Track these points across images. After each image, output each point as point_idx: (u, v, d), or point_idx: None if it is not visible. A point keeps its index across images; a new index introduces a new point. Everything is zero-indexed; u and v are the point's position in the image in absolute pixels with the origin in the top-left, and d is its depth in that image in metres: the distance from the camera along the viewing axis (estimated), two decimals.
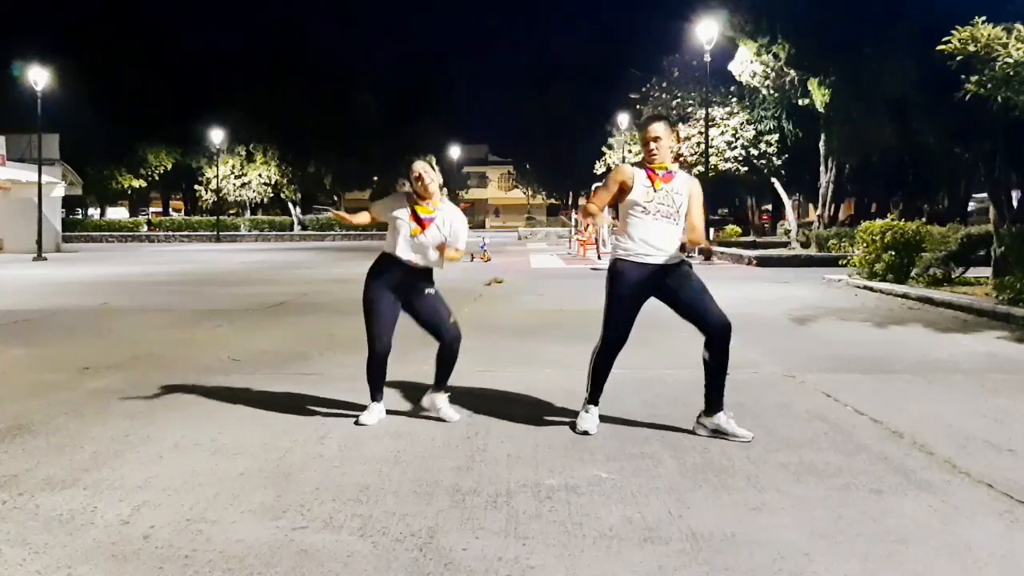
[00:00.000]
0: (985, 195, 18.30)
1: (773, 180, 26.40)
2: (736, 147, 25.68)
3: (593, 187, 24.03)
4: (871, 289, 11.74)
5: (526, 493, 3.15)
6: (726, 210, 40.38)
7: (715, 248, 21.17)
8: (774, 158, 25.63)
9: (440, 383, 4.28)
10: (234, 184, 44.35)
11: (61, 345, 6.99)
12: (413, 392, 4.88)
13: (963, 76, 8.64)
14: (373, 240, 40.17)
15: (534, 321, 8.39)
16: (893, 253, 12.14)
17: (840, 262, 16.25)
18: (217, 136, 40.74)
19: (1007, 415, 4.38)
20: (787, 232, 26.64)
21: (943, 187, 28.66)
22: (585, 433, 3.96)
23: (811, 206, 34.82)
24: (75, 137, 30.39)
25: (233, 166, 44.14)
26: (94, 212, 52.77)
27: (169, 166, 44.67)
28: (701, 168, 22.50)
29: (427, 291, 4.19)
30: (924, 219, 13.39)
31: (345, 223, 4.77)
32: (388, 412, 4.32)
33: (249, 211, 48.37)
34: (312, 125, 41.73)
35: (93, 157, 38.37)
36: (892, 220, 13.36)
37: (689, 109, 27.13)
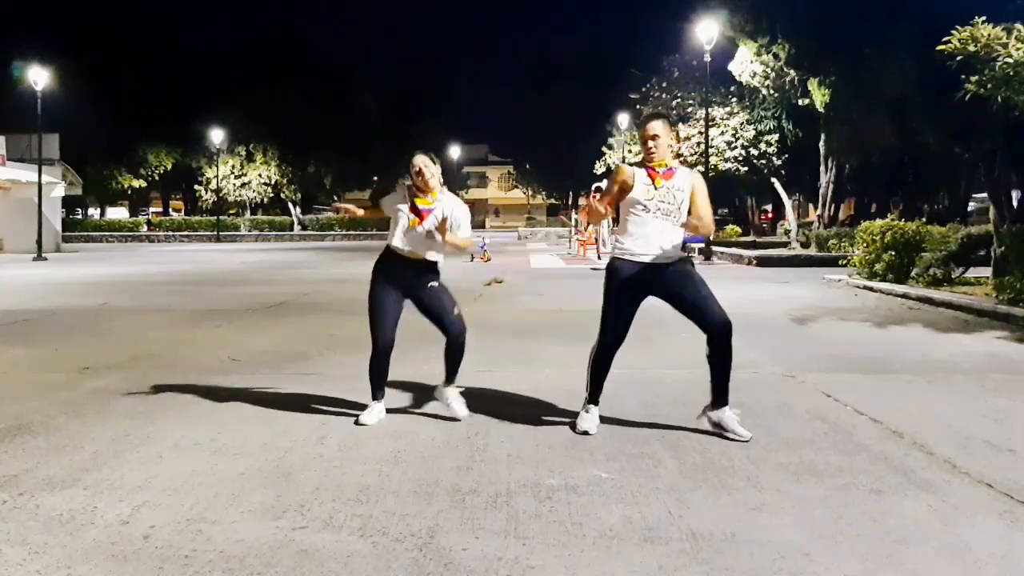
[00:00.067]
0: (985, 195, 18.31)
1: (773, 180, 26.40)
2: (736, 147, 25.68)
3: (593, 186, 24.06)
4: (871, 289, 11.74)
5: (526, 493, 3.15)
6: (726, 210, 40.36)
7: (713, 248, 21.16)
8: (774, 158, 25.63)
9: (449, 377, 4.30)
10: (234, 184, 44.37)
11: (61, 345, 6.99)
12: (413, 392, 4.88)
13: (963, 76, 8.64)
14: (373, 240, 40.18)
15: (534, 321, 8.39)
16: (893, 253, 12.14)
17: (840, 262, 16.25)
18: (217, 136, 40.76)
19: (1007, 415, 4.38)
20: (787, 232, 26.65)
21: (943, 187, 28.66)
22: (585, 433, 3.96)
23: (811, 206, 34.85)
24: (75, 137, 30.39)
25: (233, 166, 44.15)
26: (94, 212, 52.79)
27: (169, 166, 44.68)
28: (701, 168, 22.48)
29: (431, 284, 4.20)
30: (924, 219, 13.38)
31: (352, 215, 4.77)
32: (388, 411, 4.32)
33: (249, 211, 48.38)
34: (312, 125, 41.74)
35: (93, 157, 38.39)
36: (892, 220, 13.36)
37: (689, 109, 27.13)
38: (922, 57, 10.99)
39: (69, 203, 39.44)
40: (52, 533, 2.78)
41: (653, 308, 4.01)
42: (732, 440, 3.86)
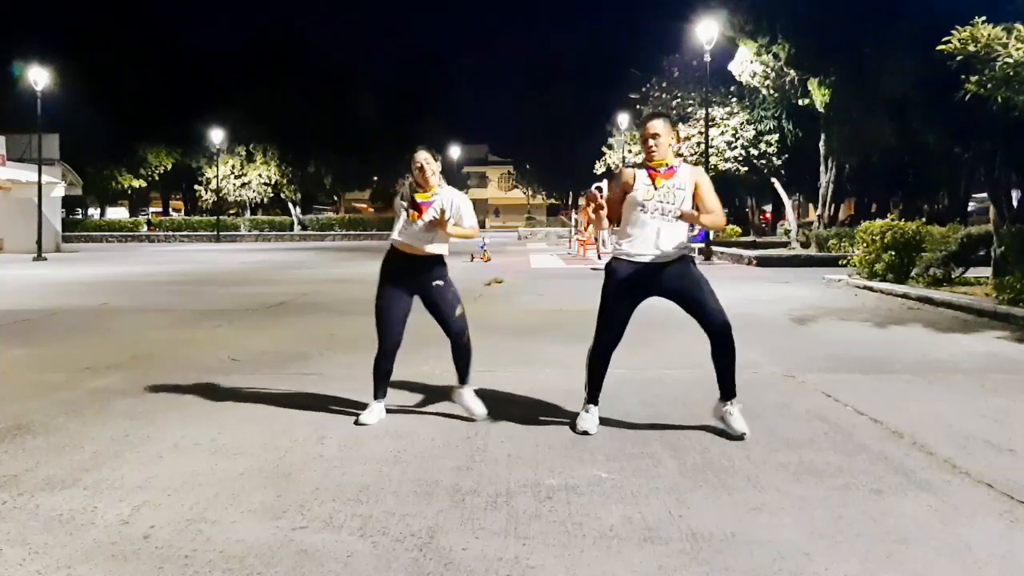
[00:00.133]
0: (985, 195, 18.30)
1: (773, 180, 26.40)
2: (736, 147, 25.67)
3: (594, 186, 24.05)
4: (871, 289, 11.74)
5: (526, 493, 3.15)
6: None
7: (713, 248, 21.16)
8: (774, 158, 25.63)
9: (461, 378, 4.31)
10: (234, 184, 44.37)
11: (61, 345, 7.00)
12: (414, 392, 4.89)
13: (963, 76, 8.64)
14: (373, 240, 40.19)
15: (534, 321, 8.39)
16: (893, 253, 12.15)
17: (840, 262, 16.25)
18: (217, 136, 40.76)
19: (1007, 415, 4.38)
20: (787, 232, 26.65)
21: (943, 187, 28.67)
22: (585, 433, 3.96)
23: (811, 206, 34.83)
24: (75, 137, 30.38)
25: (233, 166, 44.16)
26: (94, 212, 52.78)
27: (169, 166, 44.67)
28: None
29: (435, 283, 4.20)
30: (924, 219, 13.36)
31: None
32: (388, 411, 4.32)
33: (249, 211, 48.38)
34: (312, 125, 41.74)
35: (93, 157, 38.36)
36: (892, 220, 13.36)
37: (689, 109, 27.12)
38: (922, 57, 10.98)
39: (69, 203, 39.45)
40: (52, 533, 2.78)
41: (653, 308, 4.02)
42: (730, 437, 3.87)
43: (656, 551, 2.60)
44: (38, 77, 23.47)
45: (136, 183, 44.48)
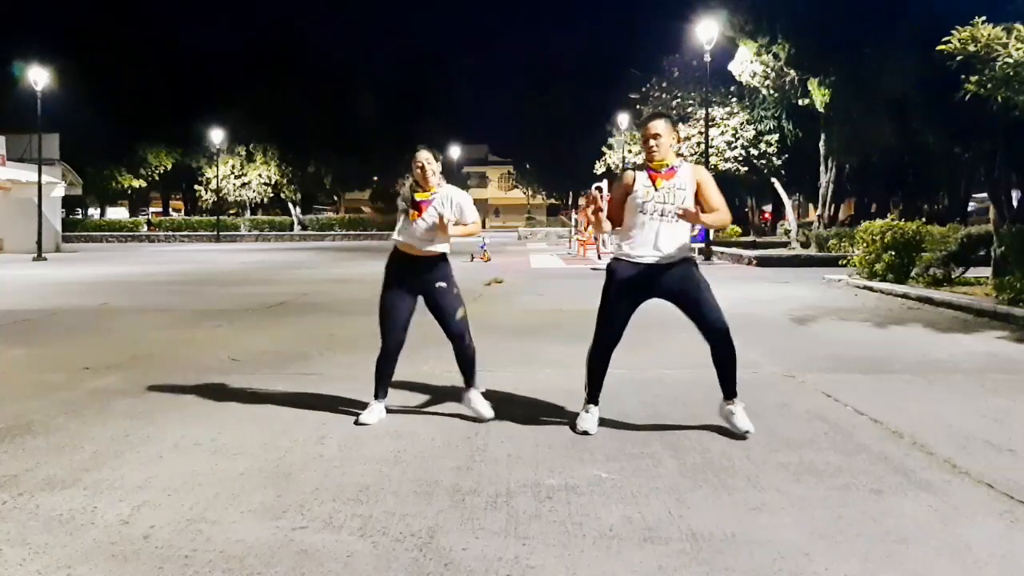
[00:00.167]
0: (985, 195, 18.30)
1: (773, 180, 26.40)
2: (736, 147, 25.68)
3: (594, 186, 24.05)
4: (871, 289, 11.74)
5: (526, 493, 3.15)
6: None
7: (713, 248, 21.16)
8: (774, 158, 25.63)
9: (467, 380, 4.32)
10: (234, 184, 44.38)
11: (61, 345, 7.00)
12: (414, 392, 4.89)
13: (963, 76, 8.63)
14: (373, 240, 40.18)
15: (534, 321, 8.39)
16: (893, 253, 12.14)
17: (840, 262, 16.25)
18: (217, 136, 40.76)
19: (1007, 415, 4.38)
20: (787, 232, 26.65)
21: (943, 187, 28.69)
22: (585, 433, 3.96)
23: (811, 206, 34.83)
24: (75, 137, 30.38)
25: (233, 166, 44.16)
26: (94, 212, 52.79)
27: (169, 166, 44.68)
28: None
29: (438, 284, 4.19)
30: (924, 219, 13.35)
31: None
32: (388, 411, 4.32)
33: (249, 211, 48.40)
34: (312, 125, 41.74)
35: (93, 157, 38.36)
36: (892, 220, 13.36)
37: (689, 109, 27.13)
38: (922, 57, 10.98)
39: (69, 203, 39.45)
40: (52, 533, 2.78)
41: (653, 308, 4.02)
42: (733, 436, 3.87)
43: (656, 551, 2.60)
44: (38, 77, 23.48)
45: (136, 183, 44.48)
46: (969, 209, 28.60)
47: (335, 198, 53.92)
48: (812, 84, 18.92)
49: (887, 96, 14.90)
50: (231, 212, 52.31)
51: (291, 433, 4.03)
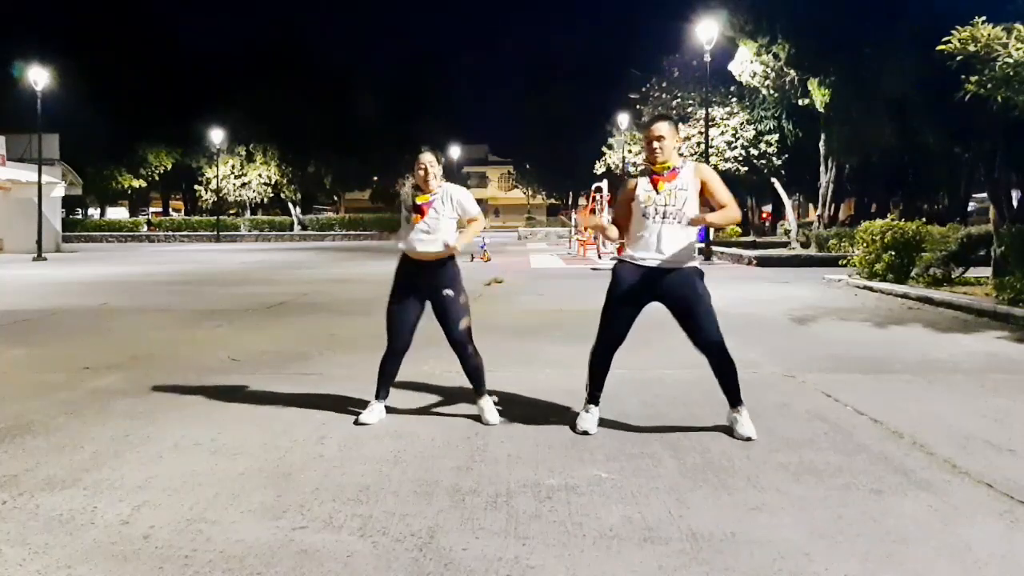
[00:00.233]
0: (985, 195, 18.30)
1: (773, 180, 26.40)
2: (736, 147, 25.67)
3: (594, 186, 24.07)
4: (871, 289, 11.74)
5: (526, 493, 3.15)
6: None
7: (713, 248, 21.16)
8: (774, 158, 25.63)
9: (476, 389, 4.31)
10: (234, 184, 44.37)
11: (61, 345, 7.00)
12: (414, 392, 4.89)
13: (963, 76, 8.63)
14: (373, 240, 40.18)
15: (534, 321, 8.39)
16: (893, 253, 12.15)
17: (840, 262, 16.25)
18: (217, 136, 40.76)
19: (1007, 415, 4.38)
20: (787, 232, 26.64)
21: (943, 187, 28.66)
22: (585, 433, 3.97)
23: (811, 206, 34.83)
24: (75, 137, 30.37)
25: (233, 166, 44.15)
26: (94, 212, 52.76)
27: (169, 166, 44.66)
28: None
29: (445, 292, 4.18)
30: (924, 219, 13.34)
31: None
32: (388, 411, 4.32)
33: (249, 211, 48.39)
34: (312, 125, 41.73)
35: (93, 157, 38.35)
36: (892, 220, 13.36)
37: (689, 109, 27.12)
38: (922, 57, 10.99)
39: (69, 203, 39.45)
40: (52, 533, 2.78)
41: (654, 309, 4.02)
42: (734, 439, 3.88)
43: (656, 551, 2.60)
44: (38, 77, 23.48)
45: (136, 183, 44.46)
46: (969, 209, 28.58)
47: (335, 198, 53.93)
48: (812, 84, 18.91)
49: (887, 96, 14.90)
50: (231, 212, 52.30)
51: (291, 433, 4.03)
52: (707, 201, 3.96)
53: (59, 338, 7.40)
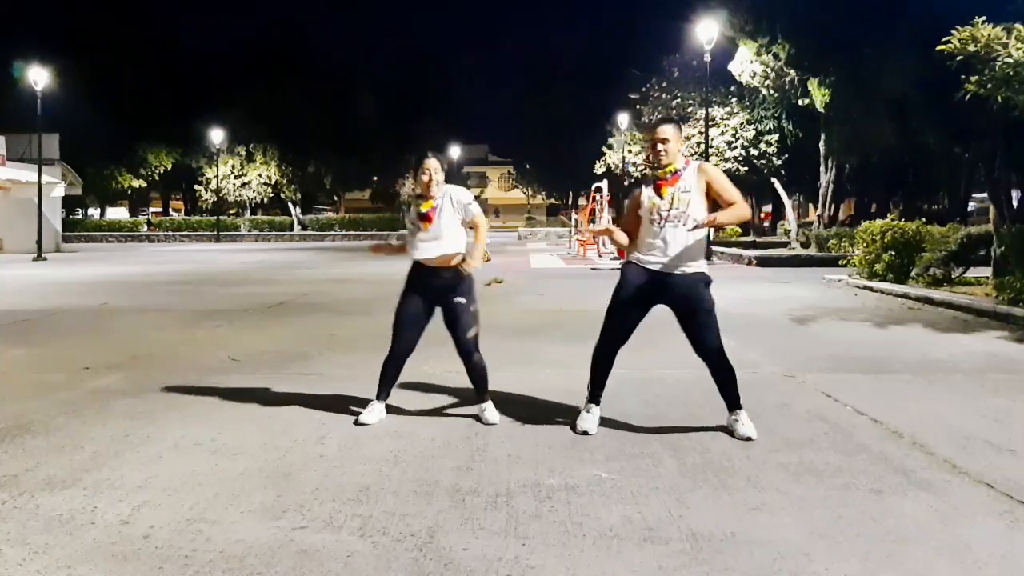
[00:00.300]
0: (985, 195, 18.30)
1: (773, 180, 26.40)
2: (736, 147, 25.68)
3: (594, 186, 24.07)
4: (871, 289, 11.74)
5: (526, 493, 3.15)
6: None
7: (713, 248, 21.15)
8: (774, 158, 25.63)
9: (479, 395, 4.31)
10: (234, 184, 44.36)
11: (61, 345, 7.00)
12: (414, 392, 4.89)
13: (963, 76, 8.63)
14: (374, 240, 40.12)
15: (534, 321, 8.39)
16: (893, 253, 12.15)
17: (840, 262, 16.25)
18: (217, 136, 40.75)
19: (1007, 415, 4.38)
20: (787, 232, 26.65)
21: (943, 187, 28.69)
22: (585, 433, 3.97)
23: (811, 206, 34.84)
24: (75, 137, 30.36)
25: (233, 166, 44.14)
26: (94, 212, 52.73)
27: (169, 166, 44.63)
28: None
29: (457, 300, 4.17)
30: (924, 219, 13.34)
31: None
32: (388, 411, 4.32)
33: (249, 211, 48.38)
34: (312, 125, 41.71)
35: (93, 157, 38.33)
36: (892, 220, 13.36)
37: (689, 109, 27.13)
38: (922, 57, 10.98)
39: (69, 203, 39.43)
40: (52, 533, 2.78)
41: (655, 310, 4.03)
42: (735, 439, 3.88)
43: (656, 551, 2.60)
44: (38, 77, 23.47)
45: (136, 183, 44.44)
46: (969, 209, 28.60)
47: (335, 198, 53.90)
48: (812, 84, 18.91)
49: (887, 96, 14.89)
50: (231, 212, 52.27)
51: (291, 433, 4.03)
52: (715, 200, 3.95)
53: (59, 338, 7.40)
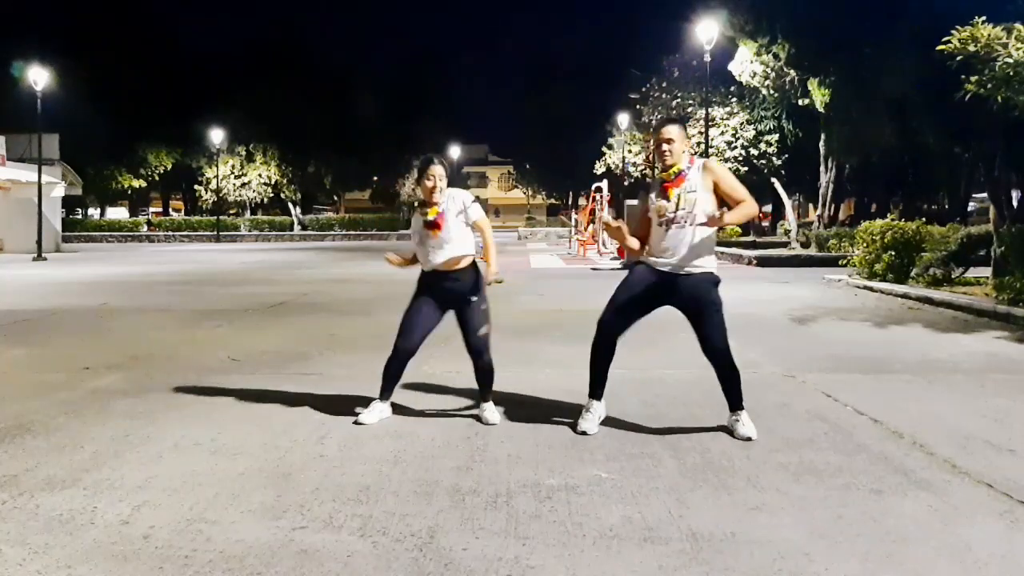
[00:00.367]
0: (985, 195, 18.29)
1: (773, 180, 26.41)
2: (736, 147, 25.68)
3: (594, 186, 24.06)
4: (871, 289, 11.74)
5: (526, 493, 3.15)
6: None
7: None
8: (774, 158, 25.63)
9: (483, 396, 4.31)
10: (234, 184, 44.36)
11: (61, 345, 7.00)
12: (414, 392, 4.88)
13: (963, 76, 8.63)
14: (374, 240, 40.18)
15: (534, 321, 8.39)
16: (893, 253, 12.15)
17: (840, 262, 16.25)
18: (217, 136, 40.75)
19: (1007, 415, 4.38)
20: (787, 232, 26.65)
21: (943, 187, 28.69)
22: (584, 433, 3.97)
23: (811, 206, 34.84)
24: (75, 137, 30.35)
25: (233, 166, 44.14)
26: (94, 212, 52.72)
27: (169, 166, 44.63)
28: None
29: (472, 298, 4.17)
30: (924, 219, 13.34)
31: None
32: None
33: (249, 211, 48.37)
34: (312, 125, 41.71)
35: (93, 157, 38.33)
36: (892, 220, 13.36)
37: (689, 109, 27.13)
38: (922, 57, 10.98)
39: (69, 203, 39.43)
40: (52, 533, 2.78)
41: (657, 310, 4.02)
42: (735, 439, 3.88)
43: (656, 551, 2.60)
44: (38, 77, 23.48)
45: (136, 183, 44.43)
46: (969, 209, 28.60)
47: (335, 198, 53.89)
48: (812, 84, 18.91)
49: (887, 96, 14.90)
50: (231, 212, 52.26)
51: (291, 433, 4.03)
52: (723, 198, 3.94)
53: (59, 338, 7.40)
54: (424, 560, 2.54)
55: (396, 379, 4.30)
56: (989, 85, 8.37)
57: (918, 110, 13.25)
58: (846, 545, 2.65)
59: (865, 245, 12.84)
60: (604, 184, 23.12)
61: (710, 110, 24.12)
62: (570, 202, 57.38)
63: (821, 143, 21.10)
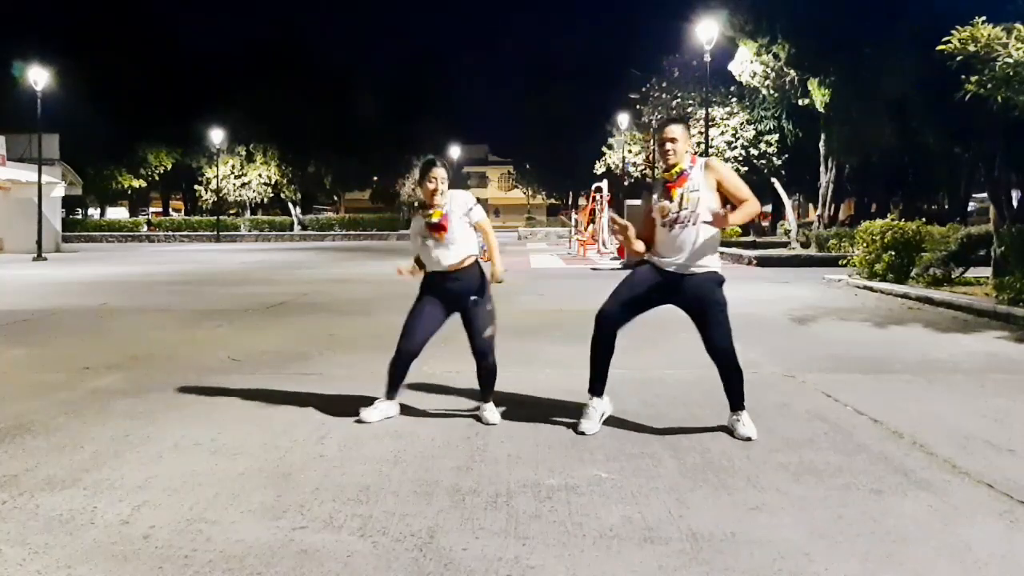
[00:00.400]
0: (985, 195, 18.30)
1: (773, 180, 26.41)
2: (736, 147, 25.69)
3: (593, 186, 24.06)
4: (871, 289, 11.74)
5: (526, 493, 3.15)
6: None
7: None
8: (774, 158, 25.64)
9: (484, 396, 4.31)
10: (234, 184, 44.36)
11: (61, 345, 6.99)
12: (414, 392, 4.88)
13: (963, 76, 8.63)
14: (374, 240, 40.18)
15: (534, 321, 8.39)
16: (893, 253, 12.15)
17: (840, 262, 16.25)
18: (217, 136, 40.75)
19: (1007, 415, 4.38)
20: (787, 232, 26.65)
21: (943, 187, 28.69)
22: (584, 433, 3.97)
23: (811, 206, 34.83)
24: (75, 137, 30.35)
25: (233, 166, 44.14)
26: (94, 212, 52.73)
27: (169, 166, 44.62)
28: None
29: (472, 297, 4.17)
30: (924, 219, 13.34)
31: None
32: None
33: (249, 211, 48.37)
34: (312, 125, 41.71)
35: (93, 157, 38.32)
36: (892, 220, 13.36)
37: (689, 109, 27.14)
38: (922, 57, 10.99)
39: (69, 203, 39.41)
40: (52, 533, 2.78)
41: (656, 309, 4.02)
42: (735, 439, 3.88)
43: (656, 551, 2.60)
44: (38, 77, 23.47)
45: (136, 183, 44.43)
46: (969, 209, 28.60)
47: (335, 198, 53.90)
48: (812, 84, 18.91)
49: (887, 96, 14.90)
50: (231, 212, 52.26)
51: (291, 433, 4.03)
52: (724, 199, 3.93)
53: (59, 338, 7.40)
54: (424, 560, 2.54)
55: (401, 379, 4.30)
56: (989, 85, 8.37)
57: (918, 110, 13.25)
58: (846, 545, 2.65)
59: (865, 245, 12.84)
60: (604, 184, 23.12)
61: (710, 110, 24.12)
62: (570, 202, 57.38)
63: (821, 143, 21.10)
